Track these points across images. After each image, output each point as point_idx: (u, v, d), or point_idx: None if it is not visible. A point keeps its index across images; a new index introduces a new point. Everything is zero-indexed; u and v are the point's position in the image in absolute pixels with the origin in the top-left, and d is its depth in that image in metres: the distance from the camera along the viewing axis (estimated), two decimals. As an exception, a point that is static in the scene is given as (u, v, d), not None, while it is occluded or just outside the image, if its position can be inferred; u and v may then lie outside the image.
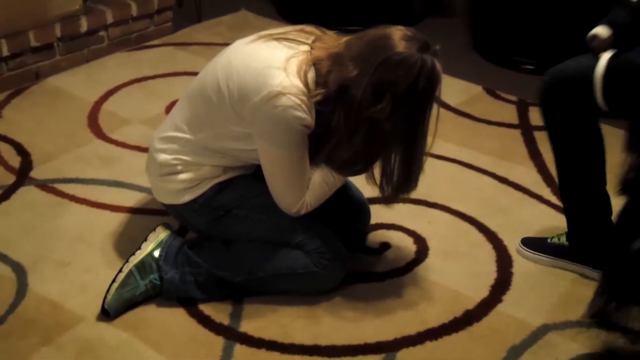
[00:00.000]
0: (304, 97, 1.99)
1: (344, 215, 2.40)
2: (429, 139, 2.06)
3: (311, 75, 2.02)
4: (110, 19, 3.61)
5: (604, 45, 2.13)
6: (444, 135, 3.13)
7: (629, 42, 2.11)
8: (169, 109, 3.19)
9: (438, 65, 1.97)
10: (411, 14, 4.16)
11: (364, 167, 2.11)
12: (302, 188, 2.12)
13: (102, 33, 3.62)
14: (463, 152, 3.03)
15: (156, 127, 2.37)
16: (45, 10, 3.34)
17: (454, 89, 3.47)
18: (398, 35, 1.97)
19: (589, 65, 2.11)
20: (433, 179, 2.85)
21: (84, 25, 3.51)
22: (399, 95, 1.95)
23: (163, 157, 2.22)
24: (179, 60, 3.65)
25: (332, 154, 2.08)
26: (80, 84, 3.41)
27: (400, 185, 2.09)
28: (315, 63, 2.04)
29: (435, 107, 2.03)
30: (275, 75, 1.99)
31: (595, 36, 2.16)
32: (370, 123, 1.98)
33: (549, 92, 2.21)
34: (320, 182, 2.14)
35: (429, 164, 2.92)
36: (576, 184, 2.29)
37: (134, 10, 3.71)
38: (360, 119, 1.98)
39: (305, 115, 1.99)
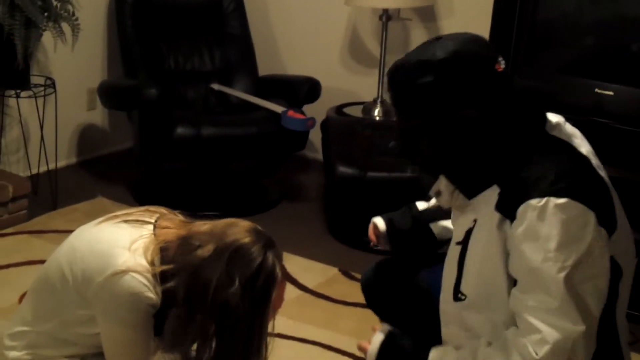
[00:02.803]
0: (149, 276, 1.96)
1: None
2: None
3: (158, 254, 1.99)
4: (-39, 208, 3.54)
5: (382, 236, 2.29)
6: (304, 318, 3.19)
7: (404, 247, 2.27)
8: (22, 298, 3.09)
9: (278, 267, 1.96)
10: (266, 200, 4.32)
11: None
12: None
13: (-48, 223, 3.54)
14: (323, 334, 3.08)
15: (8, 318, 2.31)
16: None
17: (311, 272, 3.56)
18: (245, 227, 1.98)
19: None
20: (295, 362, 2.88)
21: None
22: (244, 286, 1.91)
23: (14, 354, 2.14)
24: (34, 248, 3.58)
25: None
26: None
27: None
28: (163, 244, 2.02)
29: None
30: (119, 254, 1.96)
31: (375, 225, 2.32)
32: (222, 311, 1.92)
33: (366, 295, 2.39)
34: None
35: (290, 347, 2.98)
36: None
37: (-12, 199, 3.66)
38: (213, 304, 1.92)
39: (151, 295, 1.95)
